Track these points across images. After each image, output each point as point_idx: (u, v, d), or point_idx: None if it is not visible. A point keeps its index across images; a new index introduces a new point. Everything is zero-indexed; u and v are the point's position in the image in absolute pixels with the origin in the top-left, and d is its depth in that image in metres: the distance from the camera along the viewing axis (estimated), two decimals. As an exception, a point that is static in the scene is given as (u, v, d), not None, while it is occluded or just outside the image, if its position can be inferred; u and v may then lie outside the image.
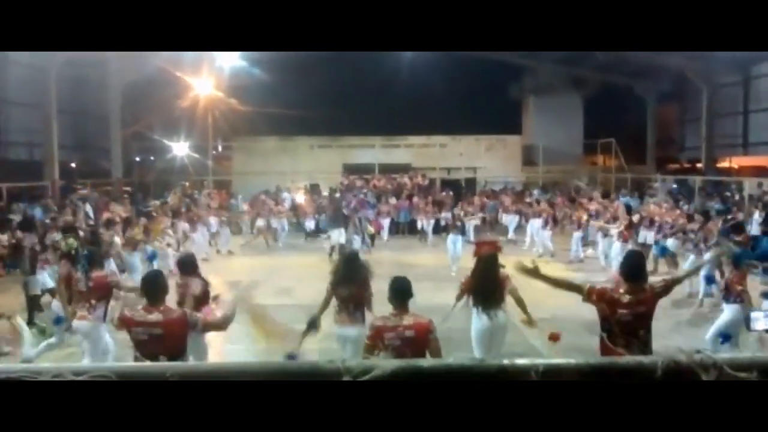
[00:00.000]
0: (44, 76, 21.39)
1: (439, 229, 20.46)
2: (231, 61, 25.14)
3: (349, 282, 6.74)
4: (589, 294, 5.65)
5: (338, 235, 16.66)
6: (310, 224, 22.70)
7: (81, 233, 13.16)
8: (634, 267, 5.88)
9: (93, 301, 7.28)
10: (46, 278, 11.56)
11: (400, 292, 5.22)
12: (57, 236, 12.67)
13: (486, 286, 6.85)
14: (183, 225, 17.35)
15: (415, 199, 23.46)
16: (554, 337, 6.74)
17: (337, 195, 21.89)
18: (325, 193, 24.76)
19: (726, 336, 8.12)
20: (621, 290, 5.63)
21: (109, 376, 1.48)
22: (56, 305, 8.59)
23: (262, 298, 12.76)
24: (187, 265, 7.44)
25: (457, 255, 15.15)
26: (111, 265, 11.20)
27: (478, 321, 6.97)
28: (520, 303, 7.03)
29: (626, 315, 5.44)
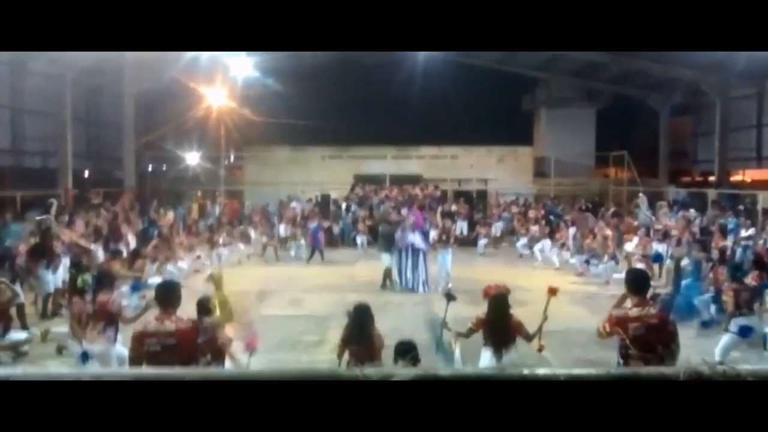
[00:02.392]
0: (59, 85, 21.57)
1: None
2: (244, 71, 25.27)
3: (361, 336, 6.48)
4: (603, 329, 5.63)
5: (389, 260, 15.06)
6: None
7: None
8: (639, 279, 5.88)
9: (101, 325, 7.22)
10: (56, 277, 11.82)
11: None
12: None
13: (496, 330, 6.72)
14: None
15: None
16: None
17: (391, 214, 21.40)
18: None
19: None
20: (629, 305, 5.61)
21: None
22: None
23: (272, 309, 12.77)
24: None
25: (448, 268, 15.12)
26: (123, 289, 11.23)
27: (486, 358, 6.76)
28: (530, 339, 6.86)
29: (639, 328, 5.39)
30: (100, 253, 14.08)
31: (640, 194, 23.08)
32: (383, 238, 15.42)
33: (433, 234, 18.87)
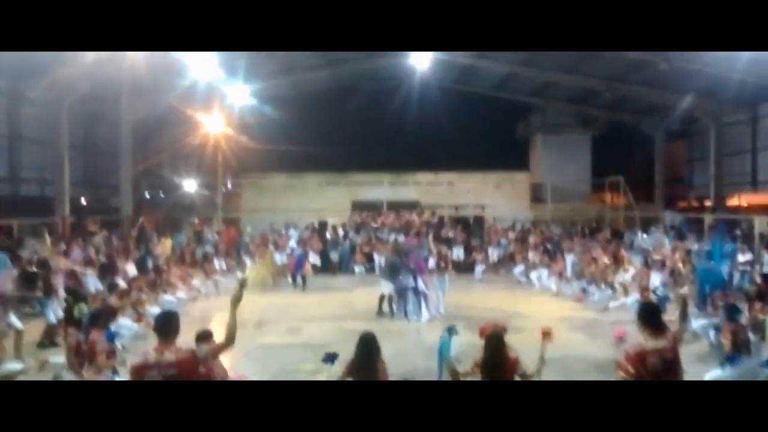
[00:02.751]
0: (56, 113, 21.64)
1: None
2: (241, 98, 25.43)
3: (367, 367, 6.37)
4: (626, 370, 5.59)
5: (388, 289, 14.95)
6: (316, 260, 22.85)
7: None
8: (652, 314, 5.90)
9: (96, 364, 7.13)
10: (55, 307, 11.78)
11: None
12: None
13: (494, 370, 6.67)
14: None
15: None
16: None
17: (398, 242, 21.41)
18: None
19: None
20: (644, 340, 5.61)
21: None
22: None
23: (270, 338, 12.71)
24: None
25: (444, 294, 15.11)
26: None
27: None
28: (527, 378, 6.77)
29: (657, 363, 5.39)
30: (94, 282, 13.99)
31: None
32: (389, 267, 15.38)
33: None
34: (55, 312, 12.11)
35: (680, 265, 15.68)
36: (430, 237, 22.22)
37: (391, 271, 15.02)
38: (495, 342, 6.56)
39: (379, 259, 20.45)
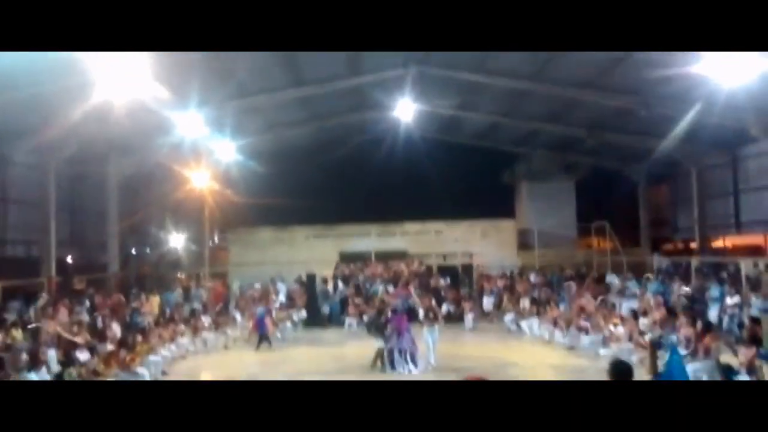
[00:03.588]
0: (43, 174, 21.67)
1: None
2: (227, 154, 25.56)
3: None
4: None
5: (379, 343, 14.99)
6: (301, 315, 22.71)
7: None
8: (622, 374, 5.72)
9: None
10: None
11: None
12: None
13: None
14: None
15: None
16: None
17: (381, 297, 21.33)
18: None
19: None
20: None
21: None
22: None
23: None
24: None
25: (434, 346, 14.95)
26: None
27: None
28: None
29: None
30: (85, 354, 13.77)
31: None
32: (371, 325, 15.86)
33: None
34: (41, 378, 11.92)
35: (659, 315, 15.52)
36: (415, 290, 22.13)
37: (376, 329, 15.28)
38: None
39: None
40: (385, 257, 28.43)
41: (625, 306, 18.21)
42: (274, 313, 21.10)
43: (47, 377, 12.06)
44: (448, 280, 25.18)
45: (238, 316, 21.31)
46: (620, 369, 5.74)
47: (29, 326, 15.29)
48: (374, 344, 15.01)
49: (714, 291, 18.72)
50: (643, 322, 15.43)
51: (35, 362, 12.15)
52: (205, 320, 19.48)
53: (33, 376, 11.88)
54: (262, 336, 18.30)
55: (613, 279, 23.28)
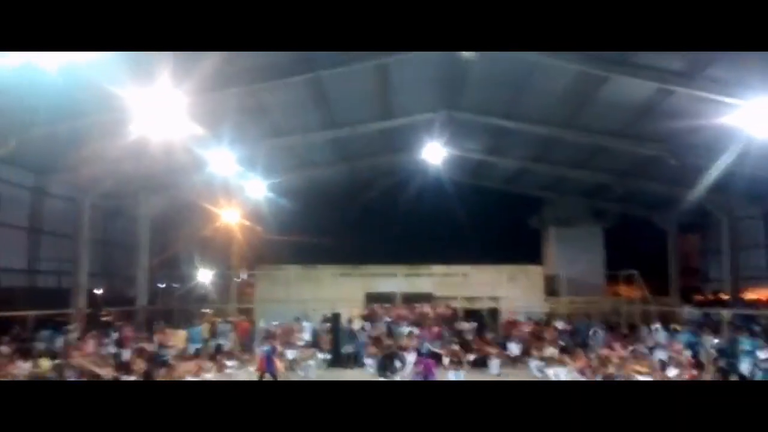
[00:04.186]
0: (78, 208, 22.13)
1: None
2: (258, 192, 25.89)
3: None
4: None
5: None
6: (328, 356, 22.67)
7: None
8: None
9: None
10: None
11: None
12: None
13: None
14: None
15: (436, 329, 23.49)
16: None
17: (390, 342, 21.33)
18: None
19: None
20: None
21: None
22: None
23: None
24: None
25: None
26: None
27: None
28: None
29: None
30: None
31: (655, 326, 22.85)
32: (383, 367, 16.56)
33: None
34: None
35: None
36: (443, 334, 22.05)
37: (384, 369, 16.02)
38: None
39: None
40: (410, 299, 28.35)
41: (655, 355, 17.92)
42: (298, 352, 21.11)
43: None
44: (474, 324, 25.00)
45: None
46: None
47: (56, 361, 15.43)
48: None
49: (745, 344, 18.31)
50: (673, 372, 15.18)
51: None
52: (229, 362, 19.43)
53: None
54: (265, 374, 17.83)
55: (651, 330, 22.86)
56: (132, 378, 14.64)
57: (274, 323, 25.05)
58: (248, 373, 19.06)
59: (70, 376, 13.42)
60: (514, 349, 22.92)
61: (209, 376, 17.45)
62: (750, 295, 28.15)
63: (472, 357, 21.12)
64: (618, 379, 16.12)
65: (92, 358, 16.90)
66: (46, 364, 16.28)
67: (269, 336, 22.73)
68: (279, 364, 18.95)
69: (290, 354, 21.00)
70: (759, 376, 16.80)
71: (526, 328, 24.96)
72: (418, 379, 14.45)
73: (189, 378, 15.98)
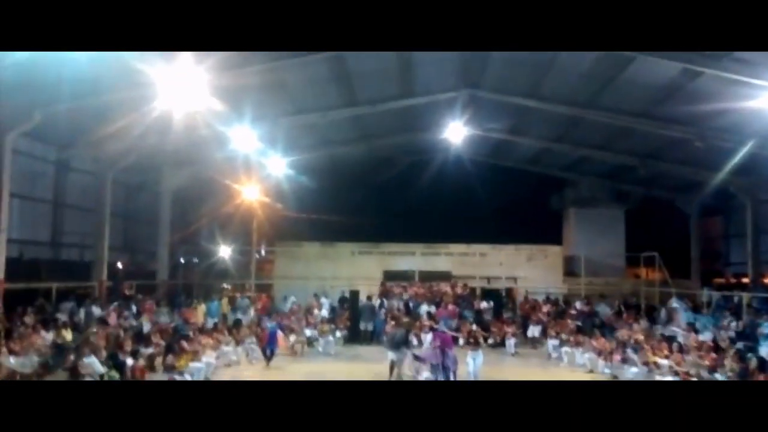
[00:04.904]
0: (101, 182, 22.35)
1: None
2: (279, 169, 25.98)
3: None
4: None
5: (392, 356, 15.91)
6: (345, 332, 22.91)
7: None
8: None
9: None
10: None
11: None
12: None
13: None
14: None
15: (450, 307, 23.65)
16: None
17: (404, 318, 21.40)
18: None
19: None
20: None
21: None
22: None
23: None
24: None
25: (476, 371, 14.93)
26: None
27: None
28: None
29: None
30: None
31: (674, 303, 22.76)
32: (393, 339, 16.29)
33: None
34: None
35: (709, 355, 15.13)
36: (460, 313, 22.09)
37: (395, 344, 15.92)
38: None
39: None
40: (428, 277, 28.44)
41: (673, 338, 17.87)
42: (316, 331, 21.32)
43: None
44: (491, 303, 25.04)
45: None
46: None
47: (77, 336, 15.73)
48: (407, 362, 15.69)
49: (766, 327, 18.22)
50: (692, 355, 15.15)
51: (75, 376, 12.30)
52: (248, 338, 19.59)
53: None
54: (266, 350, 18.07)
55: (675, 304, 22.77)
56: (150, 350, 14.88)
57: (292, 299, 25.24)
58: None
59: (86, 353, 13.56)
60: (533, 331, 22.91)
61: (228, 349, 17.69)
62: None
63: (489, 338, 21.20)
64: (635, 362, 16.13)
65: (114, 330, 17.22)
66: (68, 334, 16.60)
67: (279, 314, 23.01)
68: (283, 343, 19.07)
69: (308, 332, 21.20)
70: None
71: (544, 309, 24.97)
72: (437, 354, 14.48)
73: (208, 351, 16.19)
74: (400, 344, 15.80)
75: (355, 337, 22.82)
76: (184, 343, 15.36)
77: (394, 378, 15.64)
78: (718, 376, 13.72)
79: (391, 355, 15.91)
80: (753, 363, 12.83)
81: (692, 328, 19.16)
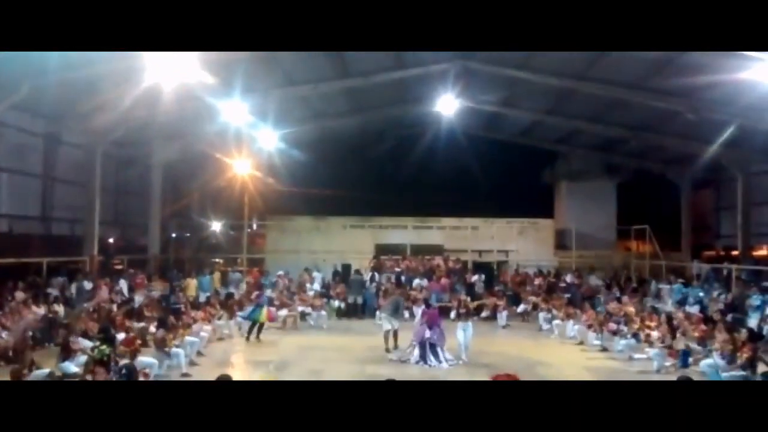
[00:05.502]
0: (90, 156, 22.15)
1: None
2: (270, 142, 25.84)
3: None
4: None
5: (392, 325, 16.22)
6: (340, 305, 22.97)
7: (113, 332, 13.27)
8: None
9: None
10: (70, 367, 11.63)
11: None
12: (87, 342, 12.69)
13: None
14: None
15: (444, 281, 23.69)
16: None
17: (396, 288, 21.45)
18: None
19: None
20: None
21: None
22: None
23: (292, 379, 12.69)
24: None
25: (467, 342, 14.99)
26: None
27: None
28: None
29: None
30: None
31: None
32: (393, 305, 16.76)
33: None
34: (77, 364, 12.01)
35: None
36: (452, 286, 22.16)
37: (396, 309, 16.47)
38: None
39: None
40: (420, 251, 28.48)
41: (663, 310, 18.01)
42: (308, 306, 21.35)
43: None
44: (483, 276, 25.15)
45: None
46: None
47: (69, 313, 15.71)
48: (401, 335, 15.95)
49: (755, 299, 18.38)
50: (681, 327, 15.26)
51: (67, 352, 12.08)
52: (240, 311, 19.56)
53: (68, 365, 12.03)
54: (251, 320, 17.88)
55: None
56: (142, 324, 14.88)
57: (279, 272, 25.22)
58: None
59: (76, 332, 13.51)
60: (524, 307, 22.94)
61: (220, 323, 17.71)
62: (762, 251, 28.08)
63: (481, 310, 21.25)
64: (625, 334, 16.25)
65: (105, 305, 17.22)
66: (59, 309, 16.60)
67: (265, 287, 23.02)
68: (268, 314, 18.69)
69: (300, 307, 21.21)
70: (766, 330, 16.89)
71: (535, 282, 25.10)
72: (423, 330, 14.61)
73: (201, 325, 16.19)
74: (400, 309, 16.54)
75: (346, 310, 22.90)
76: (176, 318, 15.36)
77: (391, 347, 15.79)
78: (708, 347, 13.87)
79: (390, 324, 16.10)
80: (742, 334, 12.93)
81: (682, 305, 19.31)
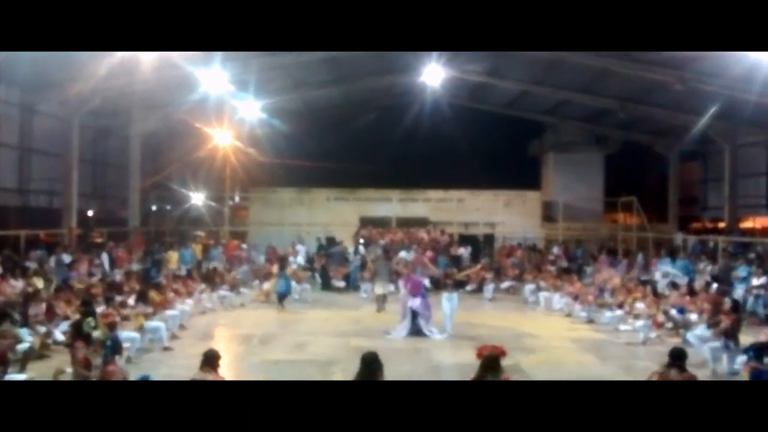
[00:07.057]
0: (67, 126, 21.63)
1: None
2: (251, 112, 25.37)
3: None
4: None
5: (381, 289, 17.58)
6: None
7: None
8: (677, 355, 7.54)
9: None
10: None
11: None
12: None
13: None
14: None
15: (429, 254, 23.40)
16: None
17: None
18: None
19: None
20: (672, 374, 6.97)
21: None
22: None
23: (276, 353, 12.47)
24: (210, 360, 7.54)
25: (451, 313, 14.76)
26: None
27: None
28: None
29: None
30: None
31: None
32: (384, 271, 18.15)
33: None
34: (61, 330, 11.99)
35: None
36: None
37: (387, 274, 18.03)
38: (490, 363, 6.64)
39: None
40: (406, 224, 28.25)
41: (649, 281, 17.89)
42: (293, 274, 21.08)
43: (64, 327, 12.09)
44: (469, 248, 24.96)
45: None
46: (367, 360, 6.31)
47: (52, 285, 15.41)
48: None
49: (741, 271, 18.35)
50: (669, 299, 15.16)
51: (51, 316, 12.11)
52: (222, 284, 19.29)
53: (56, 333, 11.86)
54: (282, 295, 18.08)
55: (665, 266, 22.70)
56: (122, 298, 14.52)
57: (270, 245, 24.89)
58: (240, 295, 19.10)
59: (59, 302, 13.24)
60: (508, 284, 22.70)
61: (203, 297, 17.40)
62: (748, 223, 28.12)
63: (467, 282, 21.05)
64: (611, 306, 16.13)
65: (85, 279, 16.86)
66: (39, 282, 16.19)
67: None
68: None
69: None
70: (750, 301, 16.87)
71: (521, 254, 24.94)
72: (408, 299, 14.36)
73: (183, 298, 15.86)
74: (390, 274, 17.89)
75: (330, 284, 22.60)
76: (155, 292, 14.99)
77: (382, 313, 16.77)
78: (692, 317, 13.77)
79: (383, 289, 17.38)
80: (727, 304, 12.81)
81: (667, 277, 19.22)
